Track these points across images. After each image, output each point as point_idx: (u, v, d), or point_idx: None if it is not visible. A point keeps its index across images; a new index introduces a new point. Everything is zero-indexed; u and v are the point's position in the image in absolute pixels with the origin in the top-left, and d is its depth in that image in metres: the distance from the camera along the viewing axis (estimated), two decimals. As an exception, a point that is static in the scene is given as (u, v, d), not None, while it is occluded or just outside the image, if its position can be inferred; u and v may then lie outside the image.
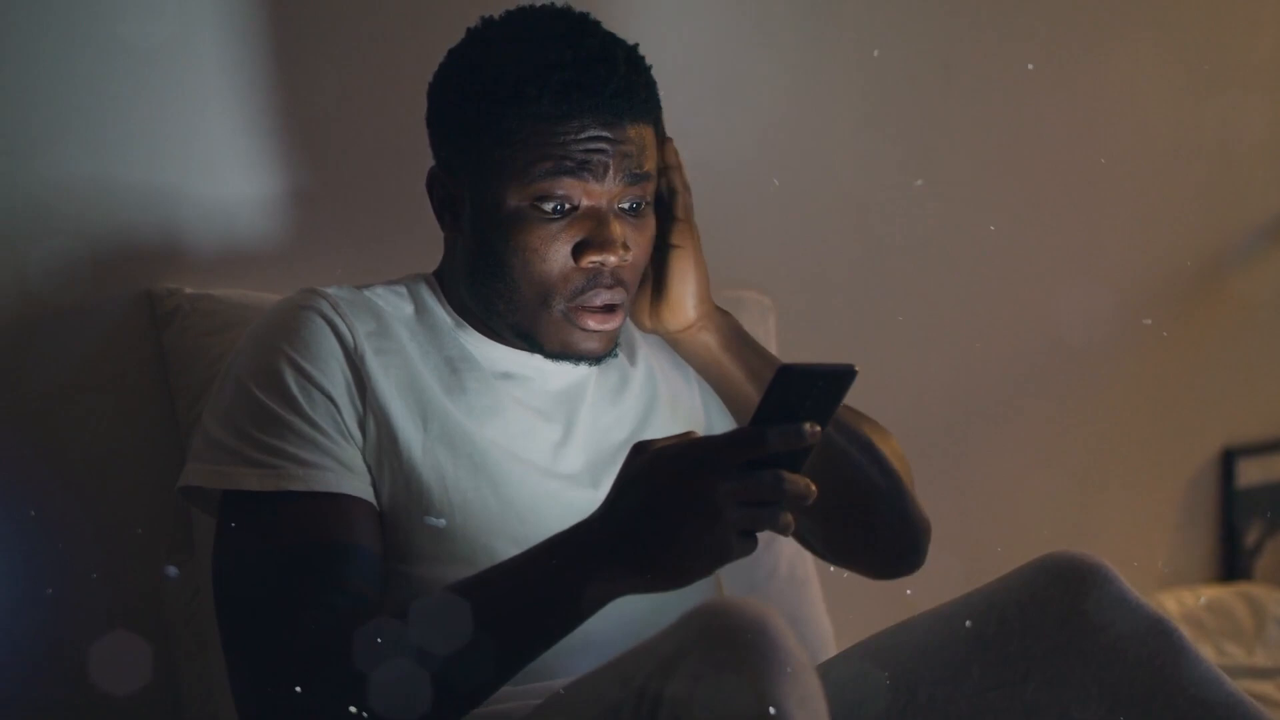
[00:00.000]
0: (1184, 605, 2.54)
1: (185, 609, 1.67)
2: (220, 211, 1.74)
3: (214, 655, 1.58)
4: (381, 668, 1.19)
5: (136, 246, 1.69)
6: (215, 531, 1.35)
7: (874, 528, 1.47)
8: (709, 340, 1.51)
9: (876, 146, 2.24)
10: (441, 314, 1.46)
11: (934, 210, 2.31)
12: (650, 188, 1.41)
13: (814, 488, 1.15)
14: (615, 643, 1.27)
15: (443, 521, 1.33)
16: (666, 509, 1.14)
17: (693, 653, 1.09)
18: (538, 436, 1.44)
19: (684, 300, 1.49)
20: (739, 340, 1.52)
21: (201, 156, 1.72)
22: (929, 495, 1.52)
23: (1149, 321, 2.56)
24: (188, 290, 1.68)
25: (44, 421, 1.65)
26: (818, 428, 1.14)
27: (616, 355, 1.48)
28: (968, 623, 1.35)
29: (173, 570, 1.66)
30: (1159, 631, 1.30)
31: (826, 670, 1.42)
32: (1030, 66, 2.32)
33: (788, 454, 1.15)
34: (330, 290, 1.41)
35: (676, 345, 1.54)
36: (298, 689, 1.21)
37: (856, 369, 1.15)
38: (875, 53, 2.17)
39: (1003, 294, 2.39)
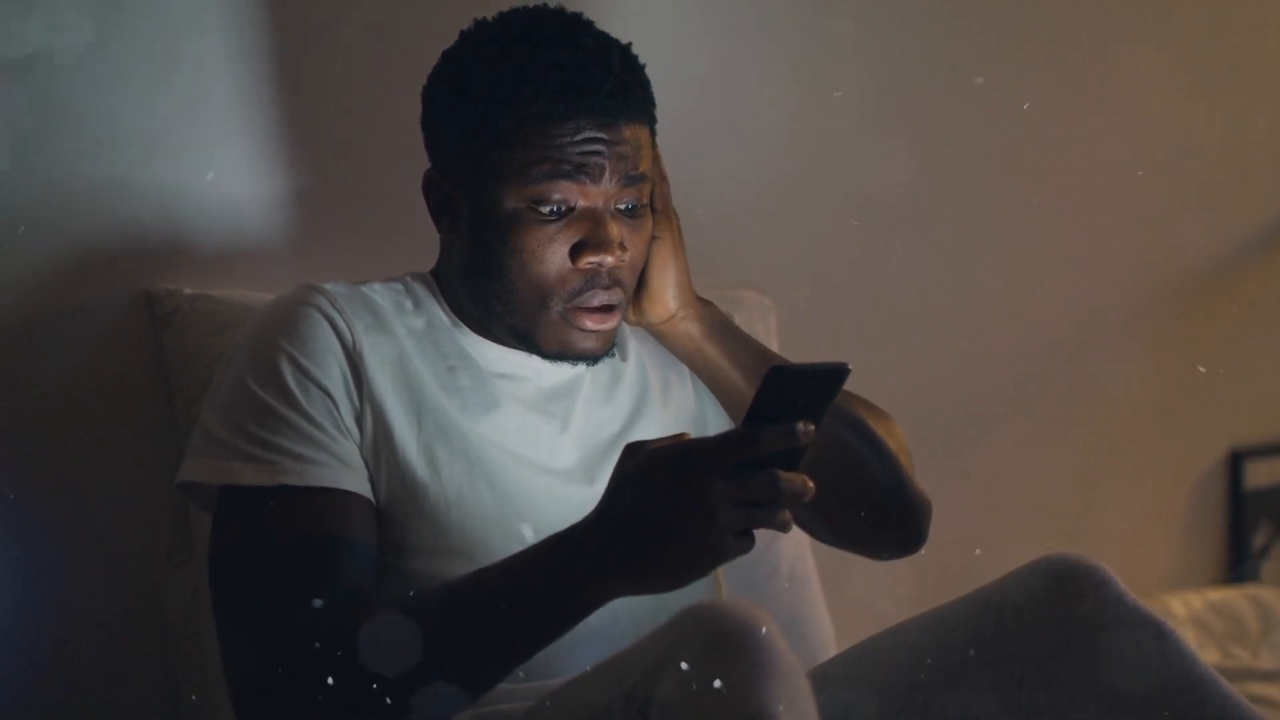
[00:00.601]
0: (1190, 607, 2.53)
1: (185, 609, 1.67)
2: (220, 211, 1.74)
3: (212, 655, 1.56)
4: (376, 661, 1.19)
5: (136, 246, 1.69)
6: (211, 525, 1.35)
7: (872, 509, 1.46)
8: (691, 330, 1.51)
9: (878, 146, 2.23)
10: (439, 312, 1.46)
11: (936, 210, 2.30)
12: (646, 188, 1.41)
13: (811, 485, 1.15)
14: (616, 638, 1.28)
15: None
16: (661, 510, 1.14)
17: (682, 655, 1.09)
18: (532, 432, 1.44)
19: (664, 291, 1.50)
20: (721, 329, 1.52)
21: (202, 156, 1.73)
22: (930, 496, 1.50)
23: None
24: (187, 291, 1.68)
25: (43, 422, 1.65)
26: (811, 426, 1.14)
27: (614, 355, 1.48)
28: (978, 625, 1.34)
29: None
30: (1156, 634, 1.30)
31: (824, 672, 1.41)
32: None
33: (784, 452, 1.14)
34: (329, 286, 1.41)
35: (660, 337, 1.54)
36: (292, 681, 1.21)
37: (849, 367, 1.14)
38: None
39: (1007, 294, 2.38)
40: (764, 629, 1.09)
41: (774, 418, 1.13)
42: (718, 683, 1.06)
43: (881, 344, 2.24)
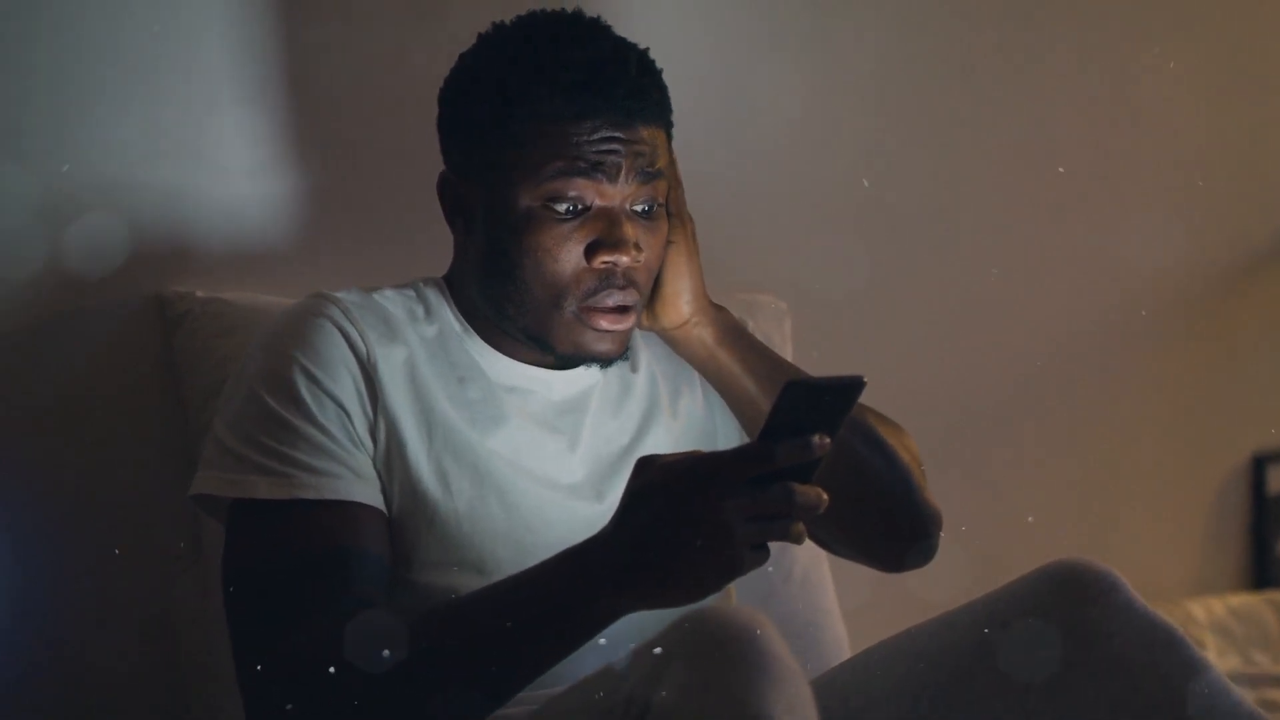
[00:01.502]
0: (1212, 613, 2.51)
1: (192, 612, 1.67)
2: (230, 213, 1.74)
3: (219, 659, 1.58)
4: (387, 675, 1.19)
5: (147, 249, 1.69)
6: (225, 538, 1.35)
7: (882, 520, 1.45)
8: (705, 336, 1.50)
9: (894, 147, 2.22)
10: (450, 319, 1.46)
11: (953, 212, 2.28)
12: (662, 188, 1.40)
13: (825, 497, 1.14)
14: (619, 643, 1.26)
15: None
16: (675, 527, 1.13)
17: (680, 660, 1.09)
18: (541, 448, 1.44)
19: (679, 297, 1.49)
20: (734, 335, 1.51)
21: (211, 157, 1.72)
22: (947, 503, 1.50)
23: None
24: (199, 293, 1.68)
25: (53, 424, 1.65)
26: (827, 440, 1.13)
27: (627, 359, 1.48)
28: (985, 630, 1.34)
29: None
30: (1165, 641, 1.29)
31: (831, 678, 1.41)
32: (1061, 170, 2.29)
33: (798, 465, 1.14)
34: (340, 295, 1.41)
35: (673, 343, 1.53)
36: (306, 692, 1.21)
37: (864, 380, 1.14)
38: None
39: (1024, 297, 2.36)
40: (763, 633, 1.09)
41: (789, 431, 1.13)
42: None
43: (897, 348, 2.23)
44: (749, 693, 1.05)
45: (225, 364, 1.61)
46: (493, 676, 1.20)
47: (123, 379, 1.68)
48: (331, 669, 1.20)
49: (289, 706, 1.22)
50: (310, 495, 1.31)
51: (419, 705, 1.20)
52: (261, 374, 1.36)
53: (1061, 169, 2.36)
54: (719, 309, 1.52)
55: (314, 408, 1.34)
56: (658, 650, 1.12)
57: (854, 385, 1.14)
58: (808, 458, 1.13)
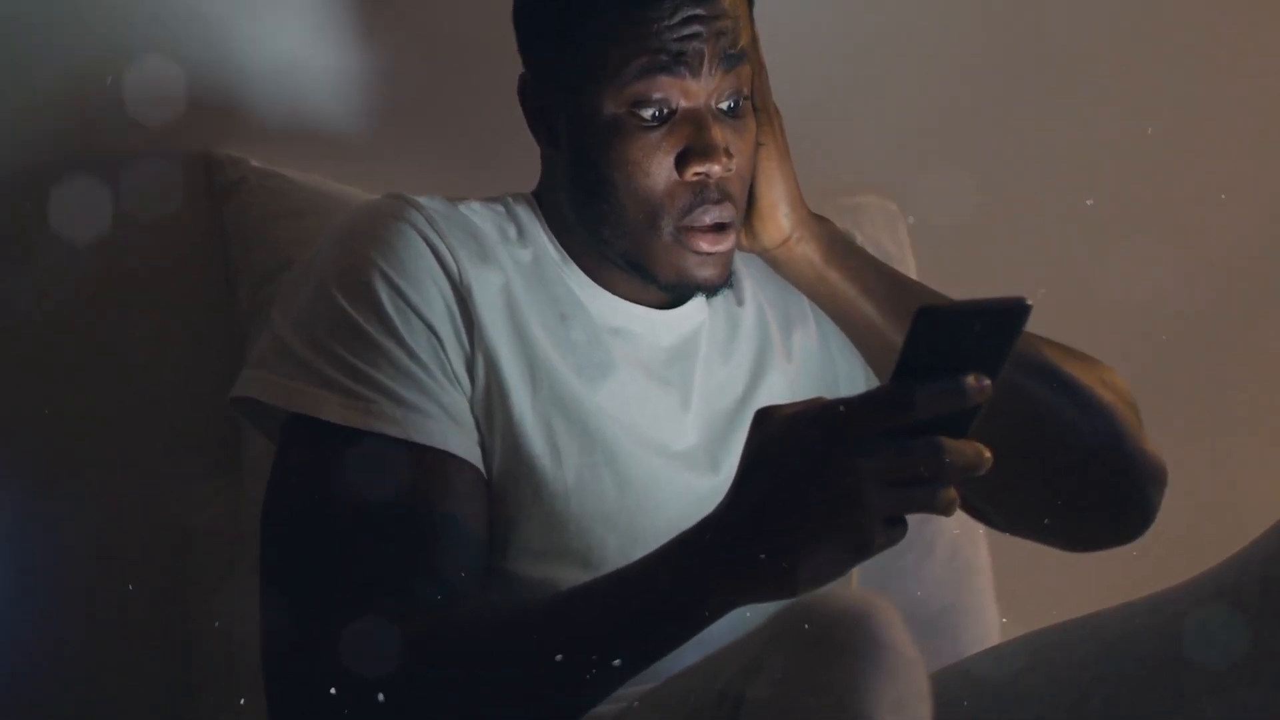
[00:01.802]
0: None
1: (219, 557, 1.53)
2: (286, 77, 1.61)
3: (219, 660, 1.49)
4: (459, 677, 1.07)
5: (192, 98, 1.56)
6: (275, 462, 1.19)
7: (1076, 482, 1.26)
8: (809, 253, 1.36)
9: (1027, 16, 1.95)
10: (545, 244, 1.32)
11: (1101, 77, 1.98)
12: (746, 75, 1.28)
13: (988, 455, 0.97)
14: (719, 635, 1.11)
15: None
16: (793, 503, 0.98)
17: (779, 652, 0.95)
18: (653, 405, 1.30)
19: (775, 209, 1.35)
20: (845, 250, 1.37)
21: (272, 17, 1.60)
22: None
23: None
24: (254, 163, 1.56)
25: (83, 286, 1.55)
26: (986, 381, 0.95)
27: (732, 286, 1.35)
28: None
29: None
30: None
31: (968, 665, 1.26)
32: None
33: (949, 415, 0.95)
34: (424, 201, 1.26)
35: (776, 265, 1.39)
36: (352, 686, 1.06)
37: (1030, 302, 0.94)
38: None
39: (1219, 185, 2.02)
40: (877, 620, 0.94)
41: (933, 371, 0.94)
42: None
43: (1048, 262, 1.94)
44: (849, 687, 0.92)
45: (289, 248, 1.49)
46: (587, 684, 1.07)
47: (165, 243, 1.57)
48: (388, 663, 1.06)
49: (322, 698, 1.07)
50: (394, 432, 1.14)
51: (500, 710, 1.08)
52: (335, 274, 1.20)
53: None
54: (822, 221, 1.39)
55: (400, 324, 1.17)
56: (759, 641, 0.99)
57: (1015, 309, 0.94)
58: (960, 406, 0.95)
